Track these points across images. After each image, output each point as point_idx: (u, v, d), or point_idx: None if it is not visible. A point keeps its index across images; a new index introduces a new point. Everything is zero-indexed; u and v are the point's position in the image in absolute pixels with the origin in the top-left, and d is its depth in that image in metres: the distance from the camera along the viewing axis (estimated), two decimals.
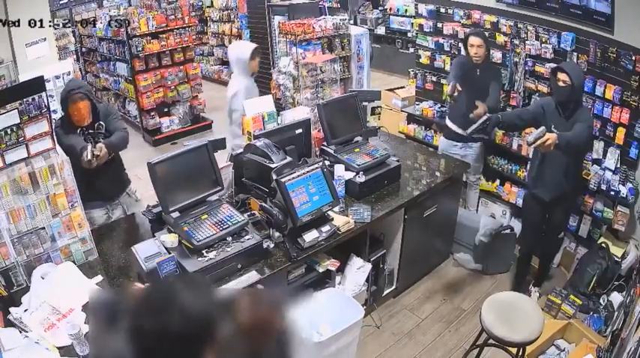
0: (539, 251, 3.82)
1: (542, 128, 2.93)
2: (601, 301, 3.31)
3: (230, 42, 9.54)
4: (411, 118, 5.42)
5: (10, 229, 2.53)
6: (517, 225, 4.23)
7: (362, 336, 3.23)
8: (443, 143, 4.42)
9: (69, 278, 2.54)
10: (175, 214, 2.68)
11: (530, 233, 3.75)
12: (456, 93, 3.75)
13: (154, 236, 2.77)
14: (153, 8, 7.66)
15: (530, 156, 4.07)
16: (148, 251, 2.57)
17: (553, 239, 3.71)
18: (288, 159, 2.95)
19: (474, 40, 3.90)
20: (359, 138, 3.69)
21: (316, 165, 2.92)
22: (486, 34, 4.32)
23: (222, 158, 3.16)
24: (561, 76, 3.15)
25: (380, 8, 10.26)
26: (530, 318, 2.59)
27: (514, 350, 2.74)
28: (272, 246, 2.80)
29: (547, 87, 3.89)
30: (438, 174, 3.76)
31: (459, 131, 4.10)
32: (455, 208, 4.13)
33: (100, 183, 3.25)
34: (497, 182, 4.48)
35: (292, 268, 2.82)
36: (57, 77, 5.06)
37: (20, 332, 2.25)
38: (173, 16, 6.99)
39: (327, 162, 3.31)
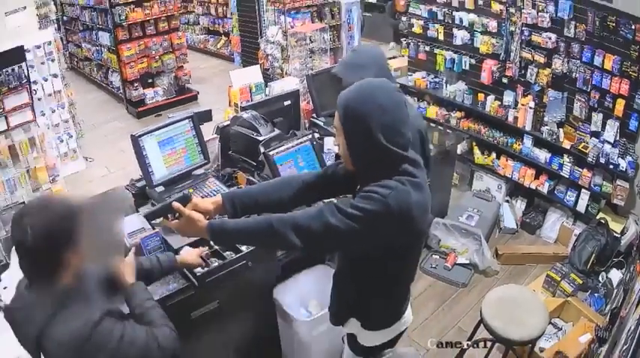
0: None
1: None
2: (600, 278, 3.28)
3: (216, 10, 9.29)
4: (404, 89, 5.30)
5: None
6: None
7: None
8: None
9: None
10: (160, 188, 2.61)
11: None
12: None
13: (138, 211, 2.67)
14: None
15: (527, 128, 4.01)
16: (132, 226, 2.47)
17: None
18: (277, 131, 2.88)
19: None
20: None
21: (305, 138, 2.85)
22: (480, 2, 4.19)
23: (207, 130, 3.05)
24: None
25: None
26: (534, 313, 2.45)
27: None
28: None
29: (544, 57, 3.79)
30: (431, 146, 3.67)
31: None
32: (448, 182, 4.08)
33: None
34: (494, 155, 4.39)
35: None
36: (37, 47, 4.92)
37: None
38: None
39: (316, 135, 3.22)
